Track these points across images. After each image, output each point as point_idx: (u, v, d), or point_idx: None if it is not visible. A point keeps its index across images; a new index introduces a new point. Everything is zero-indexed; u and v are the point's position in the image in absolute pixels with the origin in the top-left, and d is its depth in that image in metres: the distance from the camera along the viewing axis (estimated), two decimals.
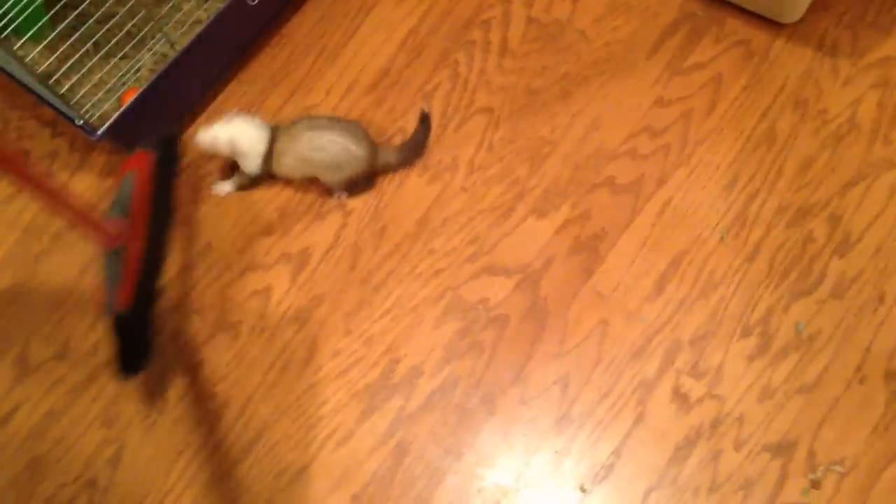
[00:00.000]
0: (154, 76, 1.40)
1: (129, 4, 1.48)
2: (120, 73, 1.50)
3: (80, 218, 1.12)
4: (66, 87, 1.46)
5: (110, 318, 1.16)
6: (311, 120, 1.41)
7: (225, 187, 1.48)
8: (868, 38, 1.42)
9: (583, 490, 1.21)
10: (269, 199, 1.47)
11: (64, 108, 1.37)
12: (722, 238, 1.32)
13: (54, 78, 1.46)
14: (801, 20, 1.44)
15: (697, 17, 1.49)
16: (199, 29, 1.43)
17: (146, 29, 1.50)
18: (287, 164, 1.41)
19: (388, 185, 1.46)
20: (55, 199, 1.09)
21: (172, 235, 1.36)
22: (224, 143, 1.39)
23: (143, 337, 1.25)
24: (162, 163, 1.32)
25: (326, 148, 1.37)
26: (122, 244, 1.19)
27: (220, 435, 1.31)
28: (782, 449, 1.18)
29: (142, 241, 1.22)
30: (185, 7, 1.52)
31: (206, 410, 1.33)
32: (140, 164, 1.28)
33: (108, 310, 1.17)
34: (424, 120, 1.43)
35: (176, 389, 1.35)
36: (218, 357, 1.37)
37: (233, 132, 1.39)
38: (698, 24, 1.49)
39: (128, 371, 1.23)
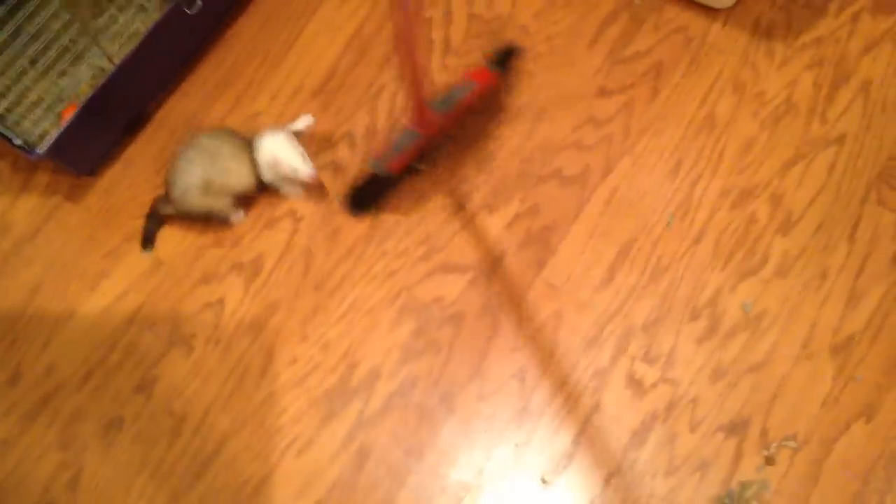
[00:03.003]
0: (92, 92, 1.38)
1: (64, 19, 1.46)
2: (58, 90, 1.48)
3: (416, 97, 1.23)
4: (3, 106, 1.44)
5: (373, 168, 1.39)
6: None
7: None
8: (802, 20, 1.45)
9: (544, 481, 1.22)
10: None
11: (1, 129, 1.35)
12: (668, 223, 1.34)
13: None
14: (736, 5, 1.46)
15: (635, 5, 1.51)
16: (137, 41, 1.42)
17: (82, 43, 1.48)
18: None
19: (338, 188, 1.45)
20: (414, 65, 1.13)
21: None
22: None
23: (378, 196, 1.44)
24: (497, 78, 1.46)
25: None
26: (422, 132, 1.35)
27: (179, 450, 1.30)
28: (736, 428, 1.20)
29: (437, 137, 1.41)
30: (122, 19, 1.51)
31: (163, 427, 1.32)
32: (482, 79, 1.42)
33: (375, 163, 1.39)
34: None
35: (132, 407, 1.34)
36: (173, 372, 1.36)
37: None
38: (636, 13, 1.50)
39: (354, 209, 1.44)
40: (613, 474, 1.21)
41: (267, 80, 1.57)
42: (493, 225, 1.39)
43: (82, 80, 1.49)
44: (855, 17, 1.44)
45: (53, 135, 1.36)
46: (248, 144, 1.38)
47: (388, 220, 1.42)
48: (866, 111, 1.37)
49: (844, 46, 1.42)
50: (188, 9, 1.47)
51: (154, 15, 1.52)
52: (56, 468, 1.32)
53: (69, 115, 1.38)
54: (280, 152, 1.36)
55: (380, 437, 1.28)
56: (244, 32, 1.62)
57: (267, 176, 1.40)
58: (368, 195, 1.43)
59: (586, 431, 1.24)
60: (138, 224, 1.47)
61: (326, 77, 1.56)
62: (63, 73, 1.49)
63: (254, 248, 1.43)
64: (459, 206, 1.41)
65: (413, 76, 1.15)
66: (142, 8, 1.53)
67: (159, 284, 1.42)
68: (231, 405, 1.33)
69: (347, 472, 1.26)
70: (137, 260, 1.44)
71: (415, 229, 1.41)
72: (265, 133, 1.38)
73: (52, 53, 1.46)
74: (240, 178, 1.38)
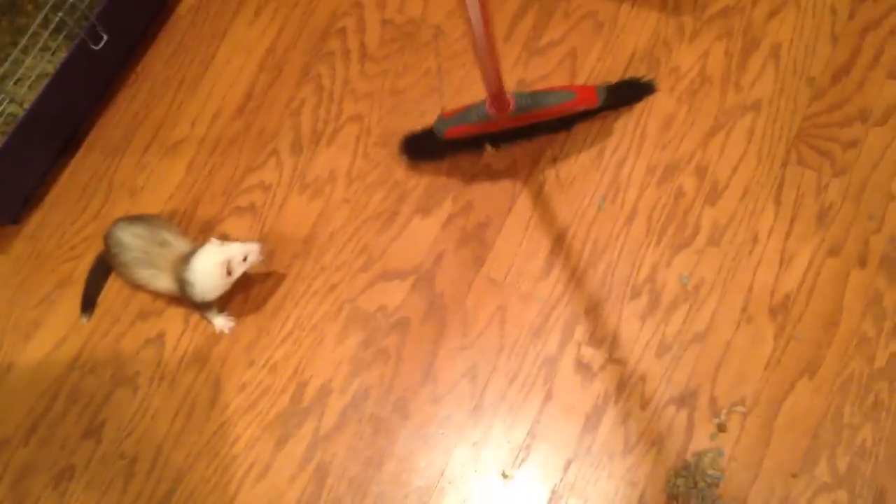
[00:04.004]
0: (4, 139, 1.34)
1: None
2: None
3: (496, 82, 1.22)
4: None
5: (435, 127, 1.37)
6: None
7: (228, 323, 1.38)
8: None
9: (505, 476, 1.22)
10: None
11: None
12: (600, 206, 1.35)
13: None
14: None
15: None
16: (45, 82, 1.39)
17: None
18: None
19: (269, 208, 1.44)
20: (491, 53, 1.14)
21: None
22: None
23: (434, 150, 1.43)
24: (599, 108, 1.39)
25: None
26: (498, 116, 1.31)
27: (134, 492, 1.28)
28: (685, 399, 1.22)
29: (508, 127, 1.36)
30: (27, 61, 1.47)
31: (116, 470, 1.30)
32: (583, 95, 1.35)
33: (437, 120, 1.36)
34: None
35: (82, 454, 1.31)
36: (120, 413, 1.33)
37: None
38: (545, 4, 1.51)
39: (407, 155, 1.44)
40: (572, 460, 1.21)
41: (185, 107, 1.55)
42: (429, 227, 1.39)
43: None
44: None
45: None
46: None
47: (322, 234, 1.41)
48: (778, 75, 1.39)
49: (750, 14, 1.44)
50: (94, 44, 1.44)
51: (60, 54, 1.49)
52: None
53: None
54: (224, 253, 1.25)
55: (337, 452, 1.27)
56: (156, 62, 1.59)
57: (203, 294, 1.28)
58: (422, 147, 1.43)
59: (541, 421, 1.24)
60: (69, 267, 1.44)
61: (245, 98, 1.54)
62: None
63: None
64: (394, 212, 1.41)
65: (490, 50, 1.13)
66: (47, 48, 1.49)
67: (97, 326, 1.39)
68: (183, 440, 1.30)
69: (308, 492, 1.25)
70: (72, 304, 1.41)
71: (351, 240, 1.40)
72: (198, 252, 1.27)
73: None
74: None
